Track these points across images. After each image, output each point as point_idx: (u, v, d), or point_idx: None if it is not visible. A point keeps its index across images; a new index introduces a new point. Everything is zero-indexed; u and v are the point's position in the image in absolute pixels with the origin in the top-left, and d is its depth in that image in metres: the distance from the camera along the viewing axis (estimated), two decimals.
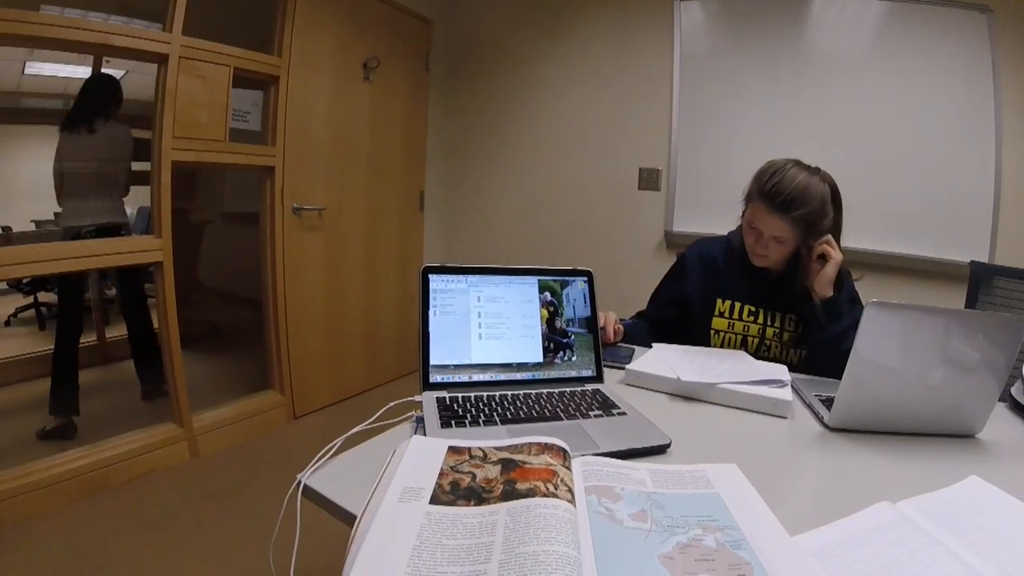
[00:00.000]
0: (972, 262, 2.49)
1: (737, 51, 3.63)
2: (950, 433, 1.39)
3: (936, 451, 1.30)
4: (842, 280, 1.75)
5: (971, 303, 2.39)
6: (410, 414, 1.11)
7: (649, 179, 3.84)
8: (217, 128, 2.93)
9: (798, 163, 1.71)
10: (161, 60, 2.68)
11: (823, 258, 1.71)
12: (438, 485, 0.80)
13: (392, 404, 1.14)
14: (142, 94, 2.98)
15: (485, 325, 1.28)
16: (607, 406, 1.20)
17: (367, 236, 3.96)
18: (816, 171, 1.72)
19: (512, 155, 4.28)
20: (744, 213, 1.77)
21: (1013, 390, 1.69)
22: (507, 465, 0.84)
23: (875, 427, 1.34)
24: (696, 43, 3.69)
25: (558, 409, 1.16)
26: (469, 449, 0.90)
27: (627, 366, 1.47)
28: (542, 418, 1.11)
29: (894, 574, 0.79)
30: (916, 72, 3.46)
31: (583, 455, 0.95)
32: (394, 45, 3.95)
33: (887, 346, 1.26)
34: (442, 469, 0.84)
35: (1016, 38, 3.41)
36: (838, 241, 1.75)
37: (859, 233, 3.36)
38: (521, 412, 1.12)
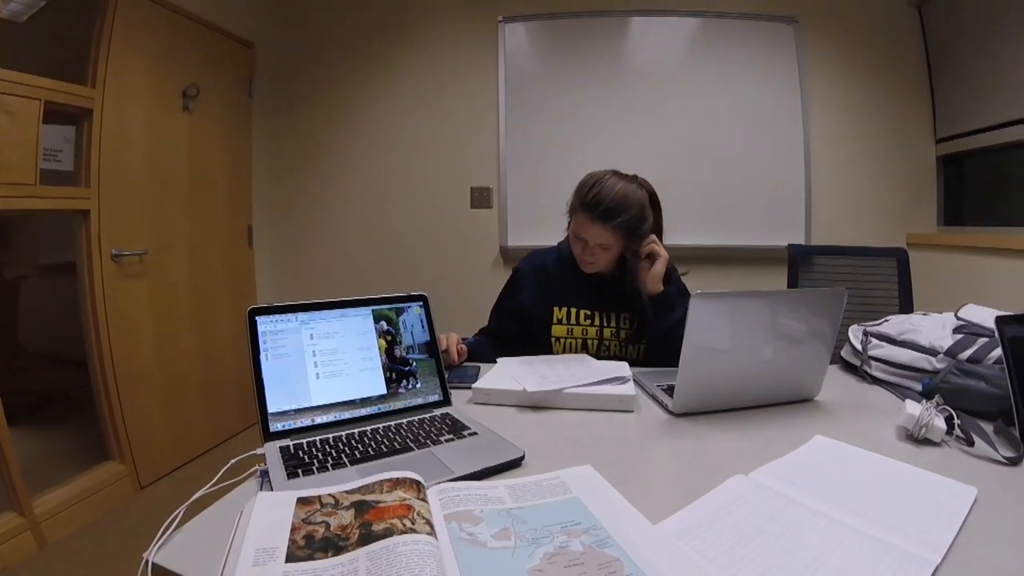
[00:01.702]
0: (790, 245, 2.74)
1: (560, 69, 3.84)
2: (791, 400, 1.55)
3: (780, 419, 1.44)
4: (670, 275, 1.90)
5: (793, 282, 2.66)
6: (254, 469, 1.07)
7: (481, 197, 3.97)
8: (27, 170, 2.64)
9: (616, 173, 1.84)
10: None
11: (651, 257, 1.83)
12: (292, 541, 0.78)
13: (233, 461, 1.10)
14: None
15: (321, 363, 1.26)
16: (457, 428, 1.22)
17: (195, 278, 3.72)
18: (633, 178, 1.86)
19: (344, 181, 4.23)
20: (569, 224, 1.87)
21: (843, 352, 1.95)
22: (360, 508, 0.84)
23: (719, 406, 1.46)
24: (520, 63, 3.85)
25: (408, 439, 1.16)
26: (319, 497, 0.88)
27: (473, 385, 1.50)
28: (392, 451, 1.11)
29: (757, 540, 0.85)
30: (731, 80, 3.90)
31: (438, 483, 0.96)
32: (215, 71, 3.77)
33: (717, 331, 1.37)
34: (294, 524, 0.81)
35: (820, 46, 4.06)
36: (661, 240, 1.90)
37: (685, 231, 3.75)
38: (370, 449, 1.11)
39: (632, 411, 1.44)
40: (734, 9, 3.92)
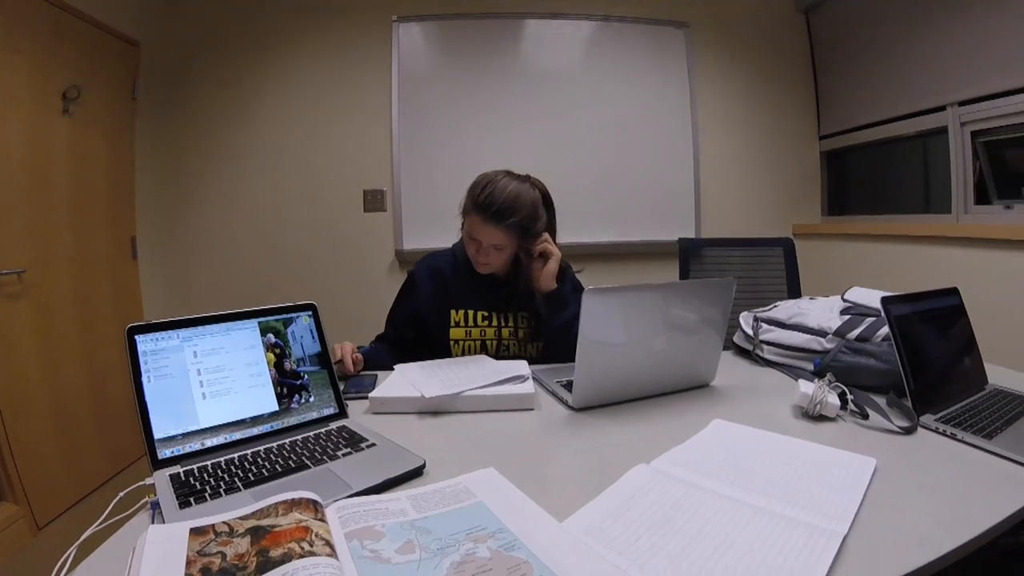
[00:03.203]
0: (680, 239, 2.82)
1: (456, 70, 3.81)
2: (687, 387, 1.59)
3: (678, 406, 1.47)
4: (564, 273, 1.92)
5: (684, 274, 2.73)
6: (145, 500, 0.98)
7: (374, 200, 3.88)
8: None
9: (508, 173, 1.84)
10: None
11: (544, 256, 1.85)
12: None
13: (122, 495, 1.02)
14: None
15: (207, 382, 1.18)
16: (354, 441, 1.17)
17: (78, 296, 3.41)
18: (526, 179, 1.86)
19: (232, 187, 4.00)
20: (463, 226, 1.86)
21: (735, 338, 2.05)
22: (257, 534, 0.79)
23: (618, 398, 1.48)
24: (415, 63, 3.81)
25: (303, 457, 1.11)
26: (213, 526, 0.82)
27: (370, 394, 1.45)
28: (287, 471, 1.05)
29: (664, 529, 0.85)
30: (624, 82, 4.00)
31: (337, 500, 0.92)
32: (97, 71, 3.47)
33: (610, 325, 1.39)
34: (188, 557, 0.75)
35: (708, 49, 4.23)
36: (554, 239, 1.91)
37: (579, 229, 3.81)
38: (264, 470, 1.05)
39: (533, 409, 1.44)
40: (627, 13, 4.02)
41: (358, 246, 3.95)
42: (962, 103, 3.26)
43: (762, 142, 4.39)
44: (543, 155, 3.83)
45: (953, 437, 1.29)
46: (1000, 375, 1.75)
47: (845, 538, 0.83)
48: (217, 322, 1.23)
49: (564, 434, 1.30)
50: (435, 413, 1.41)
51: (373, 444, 1.16)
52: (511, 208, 1.74)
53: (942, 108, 3.39)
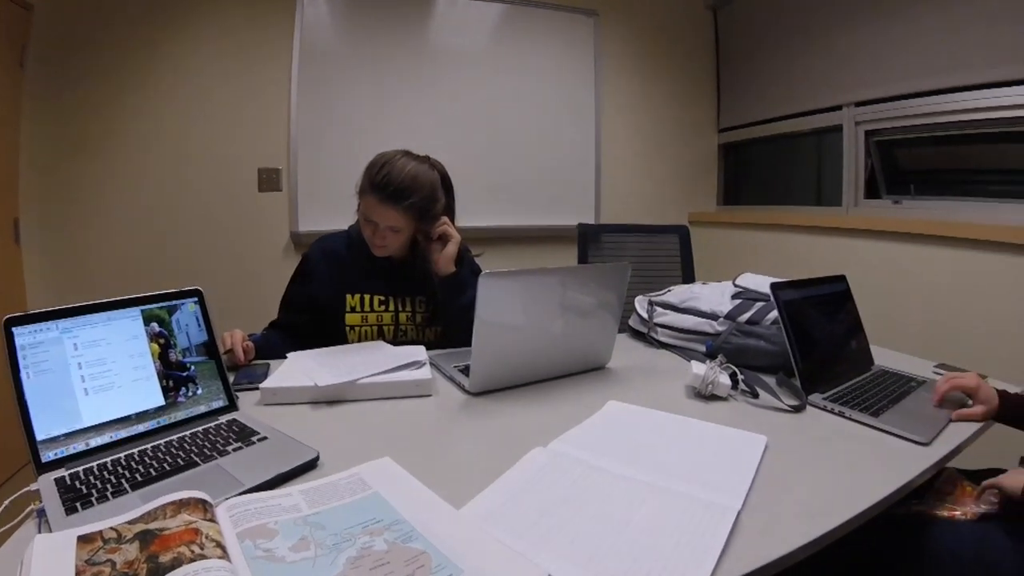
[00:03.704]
0: (580, 224, 2.83)
1: (361, 45, 3.68)
2: (584, 369, 1.63)
3: (575, 388, 1.50)
4: (462, 256, 1.88)
5: (583, 259, 2.76)
6: (31, 508, 0.91)
7: (269, 179, 3.68)
8: None
9: (407, 153, 1.80)
10: None
11: (443, 239, 1.82)
12: None
13: (7, 502, 0.93)
14: None
15: (89, 377, 1.09)
16: (245, 435, 1.12)
17: None
18: (425, 159, 1.83)
19: (126, 164, 3.64)
20: (359, 207, 1.80)
21: (631, 321, 2.11)
22: (145, 538, 0.75)
23: (515, 381, 1.49)
24: (319, 36, 3.64)
25: (192, 453, 1.05)
26: (100, 533, 0.77)
27: (261, 385, 1.39)
28: (176, 469, 1.00)
29: (563, 510, 0.86)
30: (531, 66, 3.99)
31: (227, 498, 0.88)
32: None
33: (507, 309, 1.40)
34: (77, 567, 0.70)
35: (617, 38, 4.27)
36: (453, 222, 1.89)
37: (480, 212, 3.77)
38: (152, 469, 0.99)
39: (430, 395, 1.43)
40: None
41: (251, 228, 3.75)
42: (858, 104, 3.46)
43: (663, 132, 4.50)
44: (446, 136, 3.78)
45: (841, 415, 1.37)
46: (886, 357, 1.87)
47: (739, 513, 0.85)
48: (98, 311, 1.14)
49: (461, 419, 1.30)
50: (330, 402, 1.37)
51: (265, 437, 1.11)
52: (409, 189, 1.70)
53: (839, 108, 3.59)
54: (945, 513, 1.31)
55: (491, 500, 0.89)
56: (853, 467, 1.10)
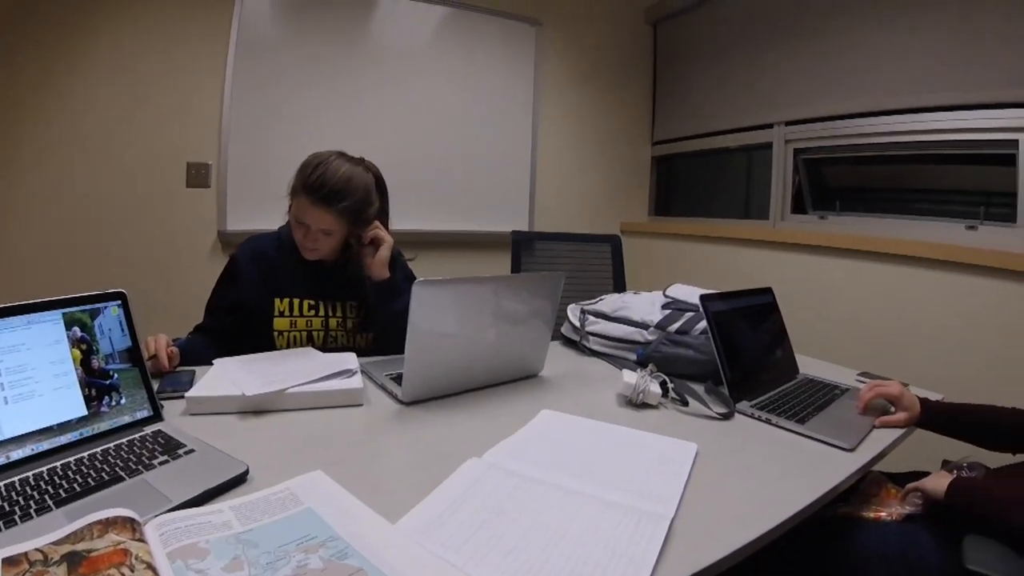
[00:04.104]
0: (514, 231, 2.86)
1: (301, 40, 3.58)
2: (517, 377, 1.63)
3: (508, 397, 1.51)
4: (395, 261, 1.87)
5: (516, 266, 2.77)
6: None
7: (198, 175, 3.50)
8: None
9: (342, 154, 1.77)
10: None
11: (375, 243, 1.80)
12: None
13: None
14: None
15: (9, 385, 1.03)
16: (171, 448, 1.08)
17: None
18: (360, 161, 1.80)
19: (45, 157, 3.34)
20: (290, 208, 1.76)
21: (563, 329, 2.14)
22: (73, 560, 0.71)
23: (448, 390, 1.48)
24: (258, 28, 3.52)
25: (117, 468, 1.00)
26: (26, 555, 0.73)
27: (187, 394, 1.34)
28: (101, 484, 0.95)
29: (498, 522, 0.86)
30: (471, 71, 3.98)
31: (156, 515, 0.84)
32: None
33: (441, 317, 1.39)
34: None
35: (558, 48, 4.31)
36: (387, 226, 1.87)
37: (413, 216, 3.68)
38: (76, 485, 0.94)
39: (362, 404, 1.40)
40: (482, 4, 4.00)
41: (177, 226, 3.54)
42: (788, 123, 3.62)
43: (598, 142, 4.56)
44: (382, 138, 3.71)
45: (768, 422, 1.42)
46: (811, 365, 1.96)
47: (672, 521, 0.87)
48: (17, 314, 1.08)
49: (394, 430, 1.29)
50: (258, 412, 1.33)
51: (192, 450, 1.07)
52: (343, 191, 1.67)
53: (769, 126, 3.75)
54: (871, 515, 1.36)
55: (426, 513, 0.88)
56: (781, 473, 1.14)
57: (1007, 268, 2.42)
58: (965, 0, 2.68)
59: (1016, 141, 2.52)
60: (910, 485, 1.34)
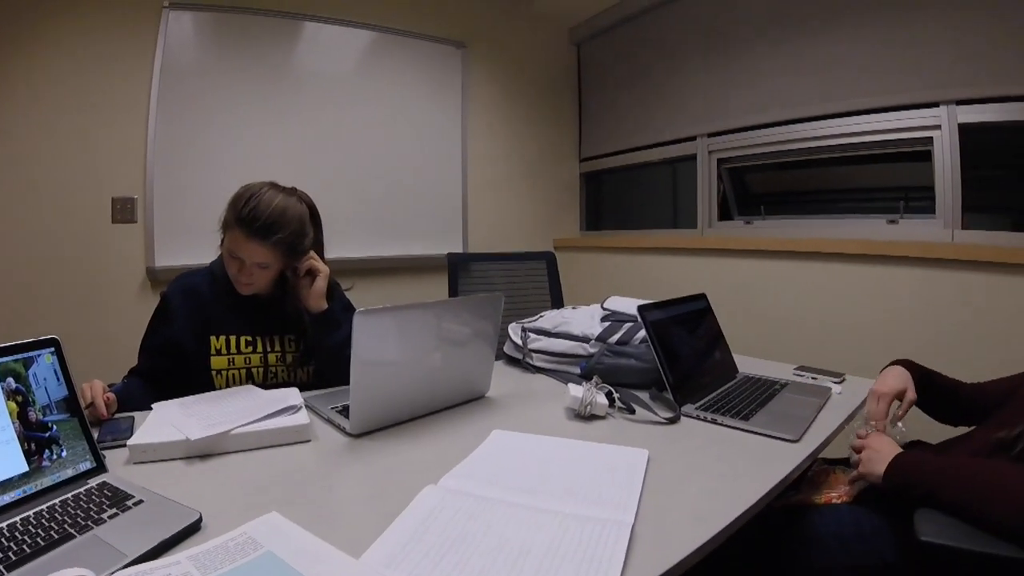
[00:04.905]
0: (449, 254, 2.86)
1: (228, 68, 3.51)
2: (465, 400, 1.64)
3: (458, 420, 1.51)
4: (332, 291, 1.85)
5: (454, 288, 2.77)
6: None
7: (124, 210, 3.34)
8: None
9: (274, 185, 1.74)
10: None
11: (311, 274, 1.77)
12: None
13: None
14: None
15: None
16: (119, 500, 1.04)
17: None
18: (292, 191, 1.77)
19: None
20: (223, 242, 1.72)
21: (505, 348, 2.16)
22: None
23: (397, 419, 1.48)
24: (182, 57, 3.41)
25: (66, 525, 0.96)
26: None
27: (128, 442, 1.28)
28: (52, 544, 0.91)
29: (463, 546, 0.86)
30: (400, 95, 4.00)
31: (112, 573, 0.81)
32: None
33: (384, 345, 1.39)
34: None
35: (484, 70, 4.38)
36: (322, 256, 1.85)
37: (347, 244, 3.68)
38: (25, 546, 0.90)
39: (309, 440, 1.38)
40: (408, 28, 4.02)
41: (104, 264, 3.37)
42: (711, 134, 3.79)
43: (528, 161, 4.64)
44: (313, 166, 3.69)
45: (714, 422, 1.47)
46: (749, 364, 2.03)
47: (633, 526, 0.89)
48: None
49: (346, 463, 1.27)
50: (203, 456, 1.29)
51: (140, 501, 1.04)
52: (277, 223, 1.64)
53: (693, 138, 3.92)
54: (822, 500, 1.40)
55: (389, 545, 0.87)
56: (732, 469, 1.18)
57: (927, 257, 2.59)
58: (879, 10, 2.86)
59: (931, 139, 2.71)
60: (851, 476, 1.39)
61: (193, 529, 0.96)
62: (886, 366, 1.56)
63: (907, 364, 1.54)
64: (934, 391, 1.55)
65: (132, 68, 3.34)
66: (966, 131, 2.61)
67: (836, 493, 1.41)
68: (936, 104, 2.68)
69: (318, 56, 3.75)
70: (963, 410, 1.55)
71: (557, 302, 2.96)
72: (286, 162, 3.57)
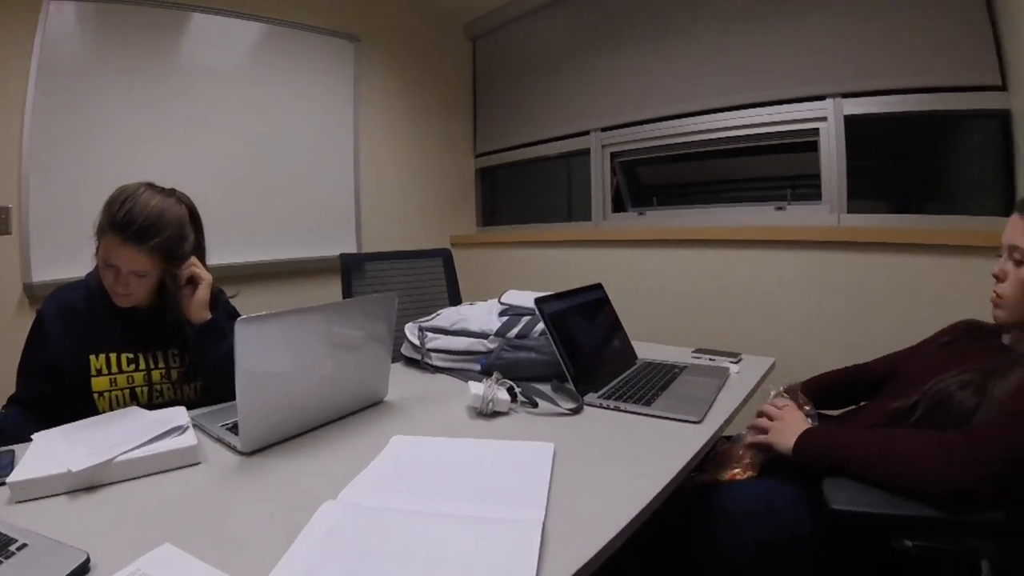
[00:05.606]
0: (342, 255, 2.78)
1: (111, 64, 3.26)
2: (362, 407, 1.59)
3: (356, 428, 1.46)
4: (216, 299, 1.77)
5: (347, 290, 2.71)
6: None
7: None
8: None
9: (151, 186, 1.63)
10: None
11: (192, 281, 1.68)
12: None
13: None
14: None
15: None
16: (3, 545, 0.95)
17: None
18: (171, 193, 1.67)
19: None
20: (98, 250, 1.60)
21: (403, 349, 2.12)
22: None
23: (291, 432, 1.41)
24: (63, 52, 3.14)
25: None
26: None
27: (8, 479, 1.17)
28: None
29: (370, 561, 0.82)
30: (288, 90, 3.87)
31: None
32: None
33: (271, 354, 1.32)
34: None
35: (377, 64, 4.31)
36: (204, 261, 1.76)
37: (231, 248, 3.51)
38: None
39: (199, 462, 1.29)
40: (300, 20, 3.89)
41: None
42: (603, 129, 3.89)
43: (422, 158, 4.61)
44: (197, 165, 3.48)
45: (617, 409, 1.49)
46: (648, 350, 2.08)
47: (544, 524, 0.88)
48: None
49: (239, 484, 1.20)
50: (89, 489, 1.19)
51: (24, 544, 0.95)
52: (154, 227, 1.54)
53: (586, 133, 4.01)
54: (727, 478, 1.43)
55: (292, 567, 0.83)
56: (638, 455, 1.19)
57: (815, 240, 2.75)
58: (767, 8, 3.01)
59: (817, 130, 2.88)
60: (757, 439, 1.43)
61: (83, 571, 0.89)
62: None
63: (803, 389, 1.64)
64: (833, 394, 1.71)
65: (6, 66, 3.03)
66: (851, 122, 2.77)
67: (740, 467, 1.44)
68: (823, 97, 2.84)
69: (206, 50, 3.57)
70: (855, 392, 1.69)
71: (455, 299, 2.94)
72: (170, 163, 3.36)
